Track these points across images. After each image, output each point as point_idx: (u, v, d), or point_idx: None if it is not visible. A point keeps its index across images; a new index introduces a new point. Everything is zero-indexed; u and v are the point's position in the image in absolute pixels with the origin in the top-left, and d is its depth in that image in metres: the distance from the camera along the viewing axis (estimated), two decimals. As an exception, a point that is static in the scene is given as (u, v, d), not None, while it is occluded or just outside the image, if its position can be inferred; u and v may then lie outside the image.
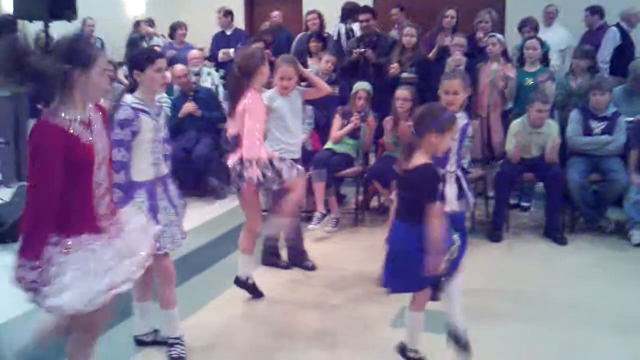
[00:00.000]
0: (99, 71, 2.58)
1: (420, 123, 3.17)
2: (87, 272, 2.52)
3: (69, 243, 2.53)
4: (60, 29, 6.65)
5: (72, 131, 2.51)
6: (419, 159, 3.12)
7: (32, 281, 2.46)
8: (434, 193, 3.11)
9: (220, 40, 8.83)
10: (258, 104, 3.95)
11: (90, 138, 2.58)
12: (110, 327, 3.79)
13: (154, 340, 3.72)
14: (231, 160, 3.97)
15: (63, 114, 2.51)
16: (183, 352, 3.57)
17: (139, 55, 3.48)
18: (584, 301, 4.29)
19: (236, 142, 3.99)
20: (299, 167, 4.13)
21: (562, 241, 5.34)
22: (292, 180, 3.99)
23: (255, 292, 4.37)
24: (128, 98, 3.37)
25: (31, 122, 7.90)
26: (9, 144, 5.54)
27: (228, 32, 8.88)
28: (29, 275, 2.45)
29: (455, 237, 3.37)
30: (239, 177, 3.90)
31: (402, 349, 3.40)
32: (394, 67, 6.43)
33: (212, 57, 8.66)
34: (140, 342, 3.72)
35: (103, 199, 2.69)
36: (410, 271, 3.11)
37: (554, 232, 5.43)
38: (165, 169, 3.50)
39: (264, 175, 3.85)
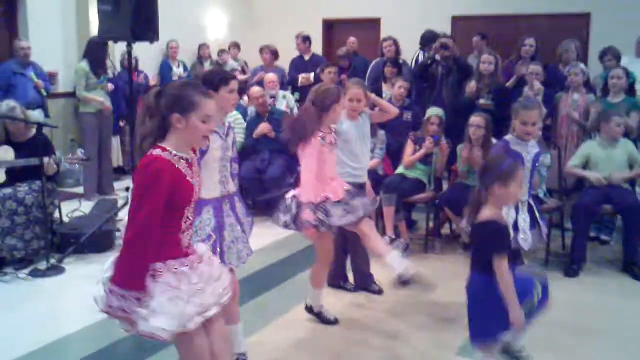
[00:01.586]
0: (199, 117, 2.61)
1: (483, 176, 3.18)
2: (176, 296, 2.55)
3: (157, 267, 2.57)
4: (142, 50, 7.00)
5: (180, 168, 2.60)
6: (486, 212, 3.11)
7: (133, 311, 2.51)
8: (499, 247, 3.06)
9: (298, 65, 8.98)
10: (316, 146, 3.95)
11: (192, 177, 2.66)
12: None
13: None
14: (288, 195, 4.02)
15: (172, 151, 2.60)
16: None
17: (214, 76, 3.53)
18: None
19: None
20: (359, 212, 4.04)
21: (638, 276, 5.10)
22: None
23: (324, 320, 4.34)
24: None
25: (114, 139, 8.31)
26: (89, 160, 5.76)
27: (306, 57, 9.03)
28: (132, 306, 2.50)
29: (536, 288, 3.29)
30: (287, 213, 3.94)
31: None
32: (471, 86, 6.35)
33: (289, 82, 8.79)
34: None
35: (187, 231, 2.74)
36: (488, 321, 3.12)
37: (631, 267, 5.17)
38: (232, 187, 3.55)
39: (318, 219, 3.90)
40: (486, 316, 3.12)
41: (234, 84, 3.47)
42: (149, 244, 2.51)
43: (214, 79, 3.46)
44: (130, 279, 2.51)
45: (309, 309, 4.33)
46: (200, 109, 2.61)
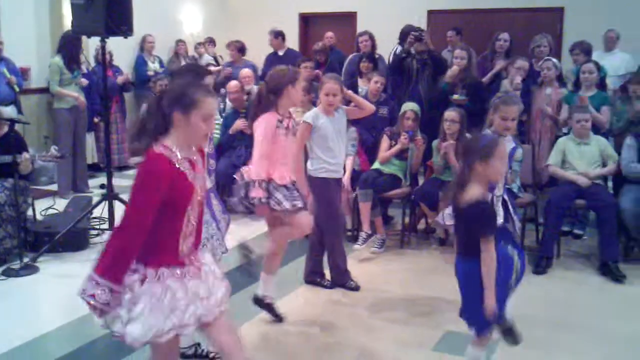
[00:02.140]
0: (200, 115, 2.57)
1: (465, 156, 3.18)
2: (158, 307, 2.53)
3: (148, 274, 2.56)
4: (118, 45, 6.94)
5: (179, 167, 2.57)
6: (472, 191, 3.07)
7: (104, 303, 2.47)
8: (488, 229, 3.04)
9: (272, 61, 8.92)
10: (268, 125, 3.94)
11: (193, 177, 2.62)
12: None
13: (195, 354, 3.74)
14: (238, 178, 4.01)
15: (172, 149, 2.57)
16: None
17: (189, 72, 3.52)
18: (636, 335, 4.14)
19: None
20: (303, 202, 4.07)
21: (617, 278, 5.01)
22: (296, 216, 3.96)
23: (272, 313, 4.30)
24: None
25: (89, 136, 8.21)
26: (63, 157, 5.70)
27: (280, 53, 8.99)
28: (104, 296, 2.46)
29: (510, 249, 3.32)
30: (245, 198, 3.94)
31: None
32: (453, 70, 6.37)
33: (262, 77, 8.74)
34: (182, 356, 3.74)
35: (189, 237, 2.68)
36: (480, 308, 3.07)
37: (609, 267, 5.09)
38: (209, 183, 3.55)
39: (269, 197, 3.90)
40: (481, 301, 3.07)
41: (208, 79, 3.46)
42: (137, 240, 2.49)
43: (187, 74, 3.45)
44: (109, 269, 2.48)
45: (259, 301, 4.28)
46: (202, 107, 2.57)
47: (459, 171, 3.20)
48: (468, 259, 3.09)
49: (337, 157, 4.58)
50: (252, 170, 3.92)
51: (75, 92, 7.46)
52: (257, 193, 3.87)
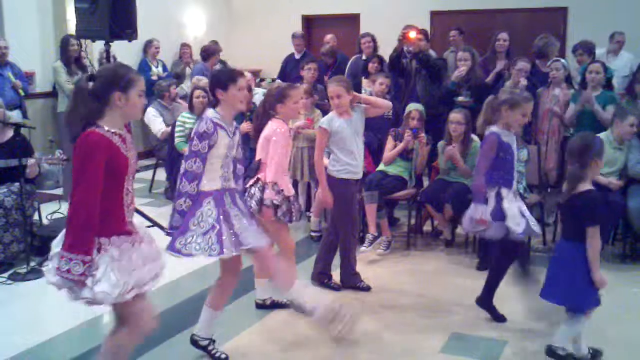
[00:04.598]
0: (137, 92, 2.88)
1: (582, 154, 3.46)
2: (118, 267, 2.80)
3: (102, 242, 2.80)
4: (122, 48, 6.93)
5: (114, 142, 2.82)
6: (585, 186, 3.46)
7: (80, 274, 2.71)
8: (595, 216, 3.41)
9: (289, 63, 8.97)
10: (283, 133, 4.13)
11: (127, 150, 2.88)
12: (173, 335, 4.01)
13: (207, 348, 3.75)
14: (249, 183, 4.16)
15: (106, 128, 2.82)
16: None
17: (222, 74, 3.60)
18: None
19: (258, 167, 4.19)
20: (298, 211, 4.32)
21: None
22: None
23: (280, 306, 4.47)
24: (210, 112, 3.50)
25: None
26: (69, 160, 5.70)
27: (297, 56, 8.98)
28: (78, 268, 2.70)
29: None
30: (252, 199, 4.07)
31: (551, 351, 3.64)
32: (461, 70, 6.36)
33: (282, 78, 8.70)
34: (194, 342, 3.77)
35: (130, 206, 2.97)
36: (577, 287, 3.47)
37: None
38: (233, 184, 3.63)
39: (279, 205, 4.09)
40: (580, 284, 3.45)
41: (242, 82, 3.54)
42: (93, 211, 2.73)
43: (222, 77, 3.55)
44: (77, 243, 2.71)
45: (260, 306, 4.49)
46: (138, 84, 2.88)
47: (572, 169, 3.51)
48: (573, 243, 3.47)
49: (357, 159, 4.60)
50: (269, 174, 4.08)
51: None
52: (270, 195, 4.03)
